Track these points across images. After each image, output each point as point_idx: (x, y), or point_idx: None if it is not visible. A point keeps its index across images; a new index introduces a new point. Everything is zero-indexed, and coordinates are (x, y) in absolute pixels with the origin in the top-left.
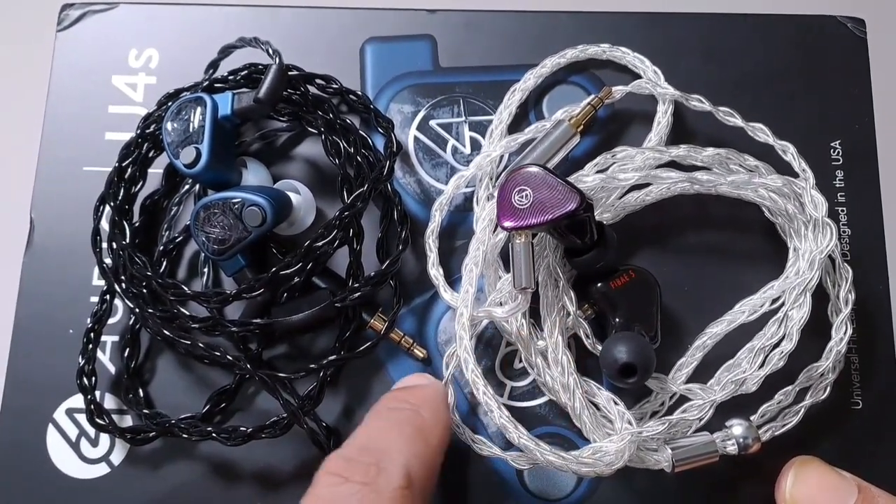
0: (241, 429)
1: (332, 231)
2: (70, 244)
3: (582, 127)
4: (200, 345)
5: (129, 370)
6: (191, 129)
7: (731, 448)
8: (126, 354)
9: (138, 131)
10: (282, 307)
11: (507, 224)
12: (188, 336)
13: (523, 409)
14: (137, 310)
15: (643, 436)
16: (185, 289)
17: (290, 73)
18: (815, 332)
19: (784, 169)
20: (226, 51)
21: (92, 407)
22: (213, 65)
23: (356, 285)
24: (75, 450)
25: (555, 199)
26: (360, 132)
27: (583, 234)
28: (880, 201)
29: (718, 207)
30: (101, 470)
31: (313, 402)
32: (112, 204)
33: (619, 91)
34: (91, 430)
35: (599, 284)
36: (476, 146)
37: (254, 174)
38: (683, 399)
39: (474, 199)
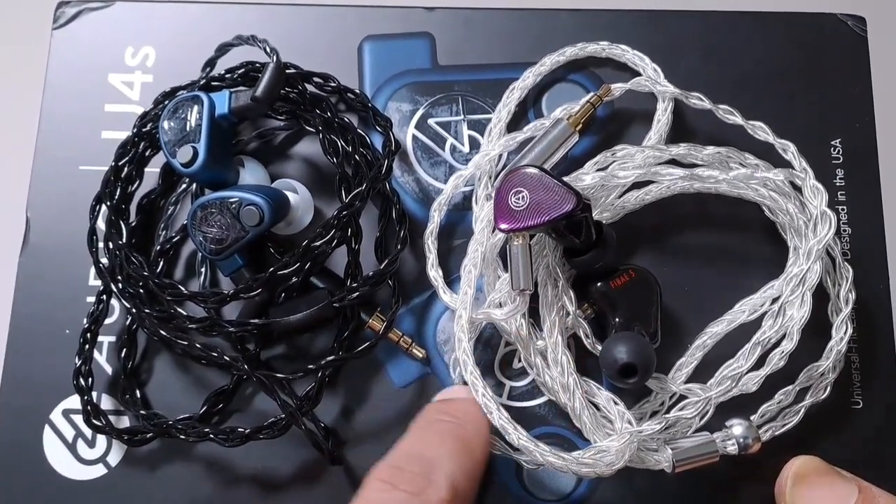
0: (239, 430)
1: (331, 230)
2: (66, 244)
3: (581, 125)
4: (198, 345)
5: (125, 371)
6: (188, 128)
7: (732, 448)
8: (123, 355)
9: (135, 130)
10: (280, 307)
11: (504, 226)
12: (185, 336)
13: (522, 410)
14: (134, 310)
15: (643, 435)
16: (182, 289)
17: (287, 71)
18: (816, 331)
19: (784, 168)
20: (223, 49)
21: (88, 408)
22: (210, 63)
23: (354, 285)
24: (72, 451)
25: (551, 201)
26: (359, 131)
27: (581, 234)
28: (881, 200)
29: (718, 207)
30: (98, 471)
31: (311, 402)
32: (108, 203)
33: (618, 88)
34: (88, 431)
35: (599, 284)
36: (475, 145)
37: (251, 173)
38: (683, 399)
39: (473, 199)
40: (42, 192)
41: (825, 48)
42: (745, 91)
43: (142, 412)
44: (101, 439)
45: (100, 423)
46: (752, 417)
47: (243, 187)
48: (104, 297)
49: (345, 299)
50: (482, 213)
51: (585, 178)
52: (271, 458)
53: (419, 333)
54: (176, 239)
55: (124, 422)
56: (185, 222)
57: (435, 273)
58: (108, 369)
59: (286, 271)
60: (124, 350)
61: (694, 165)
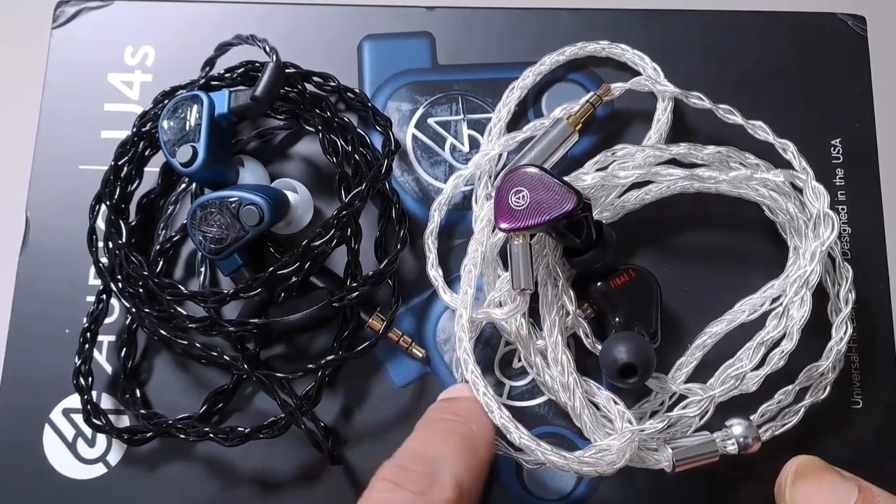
0: (239, 429)
1: (330, 230)
2: (66, 243)
3: (581, 125)
4: (197, 345)
5: (125, 370)
6: (187, 128)
7: (732, 448)
8: (123, 354)
9: (134, 129)
10: (279, 307)
11: (504, 226)
12: (185, 336)
13: (522, 409)
14: (134, 309)
15: (645, 434)
16: (182, 288)
17: (287, 70)
18: (816, 331)
19: (784, 167)
20: (222, 48)
21: (88, 407)
22: (210, 62)
23: (354, 285)
24: (72, 450)
25: (552, 200)
26: (358, 130)
27: (581, 233)
28: (881, 200)
29: (719, 206)
30: (98, 470)
31: (311, 402)
32: (108, 203)
33: (618, 88)
34: (88, 431)
35: (599, 284)
36: (475, 144)
37: (251, 173)
38: (683, 399)
39: (473, 198)
40: (42, 191)
41: (825, 48)
42: (745, 90)
43: (142, 411)
44: (101, 438)
45: (100, 423)
46: (751, 417)
47: (243, 187)
48: (104, 296)
49: (344, 299)
50: (482, 212)
51: (585, 177)
52: (271, 458)
53: (419, 333)
54: (176, 238)
55: (124, 421)
56: (184, 222)
57: (435, 273)
58: (108, 369)
59: (286, 271)
60: (124, 349)
61: (694, 165)
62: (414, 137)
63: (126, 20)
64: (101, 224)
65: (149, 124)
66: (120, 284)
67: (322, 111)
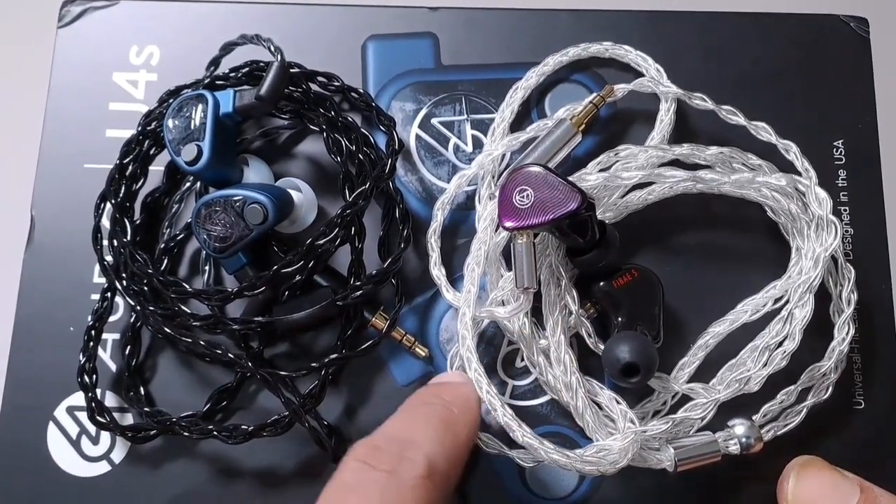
0: (243, 427)
1: (334, 229)
2: (71, 242)
3: (584, 126)
4: (201, 343)
5: (129, 368)
6: (192, 127)
7: (734, 448)
8: (127, 352)
9: (139, 128)
10: (283, 305)
11: (509, 224)
12: (189, 334)
13: (525, 409)
14: (138, 307)
15: (648, 435)
16: (187, 286)
17: (291, 70)
18: (818, 331)
19: (786, 168)
20: (227, 48)
21: (93, 405)
22: (215, 62)
23: (358, 283)
24: (76, 448)
25: (556, 199)
26: (362, 130)
27: (584, 233)
28: (883, 201)
29: (721, 207)
30: (102, 468)
31: (314, 400)
32: (113, 201)
33: (621, 89)
34: (92, 428)
35: (602, 283)
36: (478, 144)
37: (255, 172)
38: (685, 398)
39: (476, 198)
40: (47, 190)
41: (827, 49)
42: (747, 92)
43: (146, 409)
44: (105, 436)
45: (104, 420)
46: (754, 417)
47: (247, 186)
48: (108, 294)
49: (348, 298)
50: (485, 211)
51: (589, 178)
52: (274, 456)
53: (422, 332)
54: (180, 237)
55: (128, 419)
56: (189, 220)
57: (438, 272)
58: (113, 366)
59: (290, 269)
60: (128, 347)
61: (697, 166)
62: (417, 137)
63: (131, 20)
64: (105, 222)
65: (154, 123)
66: (124, 282)
67: (326, 111)
